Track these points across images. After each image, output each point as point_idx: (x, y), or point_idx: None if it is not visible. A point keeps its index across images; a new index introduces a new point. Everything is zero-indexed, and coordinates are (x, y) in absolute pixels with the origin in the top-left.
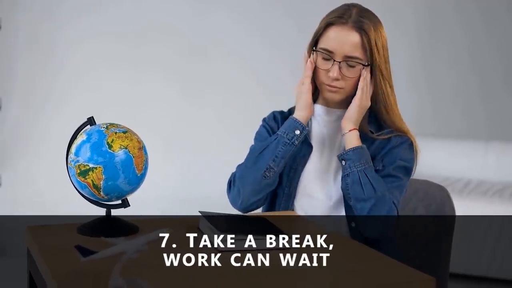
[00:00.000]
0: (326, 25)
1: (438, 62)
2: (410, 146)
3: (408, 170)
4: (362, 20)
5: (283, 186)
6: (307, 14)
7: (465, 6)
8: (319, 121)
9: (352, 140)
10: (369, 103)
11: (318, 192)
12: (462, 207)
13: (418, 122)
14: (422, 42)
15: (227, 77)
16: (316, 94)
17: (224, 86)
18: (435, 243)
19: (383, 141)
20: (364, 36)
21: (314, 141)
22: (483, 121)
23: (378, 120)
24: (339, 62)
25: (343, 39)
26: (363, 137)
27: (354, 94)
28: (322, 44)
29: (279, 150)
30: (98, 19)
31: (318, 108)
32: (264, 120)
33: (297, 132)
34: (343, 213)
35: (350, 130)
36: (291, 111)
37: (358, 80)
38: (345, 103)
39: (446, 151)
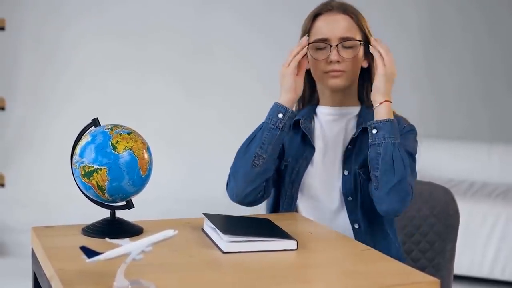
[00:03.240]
0: (313, 17)
1: (441, 64)
2: (416, 137)
3: (415, 160)
4: (346, 6)
5: (285, 188)
6: None
7: (468, 8)
8: (322, 121)
9: (384, 112)
10: (394, 70)
11: (321, 194)
12: (466, 209)
13: (421, 123)
14: (425, 43)
15: (231, 77)
16: (315, 95)
17: (227, 87)
18: (439, 244)
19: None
20: (354, 17)
21: (317, 142)
22: (486, 123)
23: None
24: (336, 46)
25: (333, 24)
26: (370, 113)
27: (355, 83)
28: (314, 36)
29: (265, 137)
30: (101, 19)
31: (320, 108)
32: None
33: (280, 115)
34: (345, 215)
35: (381, 103)
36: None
37: (357, 62)
38: (347, 99)
39: (450, 153)
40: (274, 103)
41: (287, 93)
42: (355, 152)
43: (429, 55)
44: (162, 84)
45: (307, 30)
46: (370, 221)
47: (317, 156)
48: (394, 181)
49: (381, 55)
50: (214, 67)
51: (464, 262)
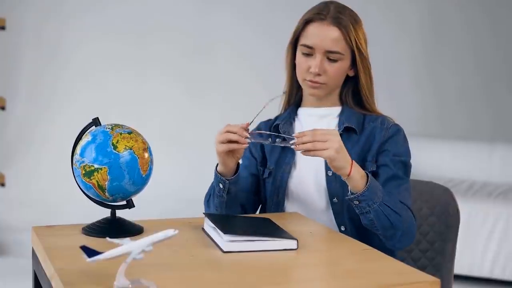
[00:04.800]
0: (305, 22)
1: (442, 63)
2: (404, 136)
3: (407, 166)
4: (340, 16)
5: (272, 195)
6: None
7: (469, 7)
8: (303, 122)
9: (357, 182)
10: (333, 140)
11: (307, 197)
12: (467, 209)
13: (422, 123)
14: (426, 43)
15: (232, 77)
16: (298, 95)
17: (228, 86)
18: (439, 244)
19: (375, 122)
20: (344, 30)
21: None
22: (487, 123)
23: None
24: (320, 57)
25: (322, 34)
26: (351, 113)
27: (337, 89)
28: (302, 40)
29: (216, 202)
30: (102, 18)
31: (301, 111)
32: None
33: (221, 185)
34: (332, 217)
35: (348, 175)
36: (277, 118)
37: (340, 75)
38: (328, 100)
39: (451, 153)
40: (215, 170)
41: (221, 165)
42: None
43: (430, 55)
44: (163, 84)
45: (297, 32)
46: (356, 223)
47: (299, 159)
48: (398, 234)
49: (312, 150)
50: (215, 66)
51: (465, 261)
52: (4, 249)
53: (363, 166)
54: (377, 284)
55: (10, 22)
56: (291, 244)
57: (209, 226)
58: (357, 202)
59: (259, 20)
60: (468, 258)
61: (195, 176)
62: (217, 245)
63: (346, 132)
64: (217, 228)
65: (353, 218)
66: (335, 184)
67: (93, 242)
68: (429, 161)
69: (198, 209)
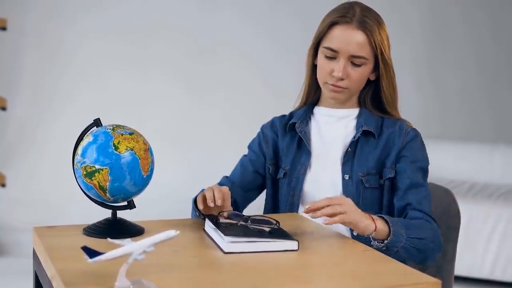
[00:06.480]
0: (330, 24)
1: (444, 64)
2: (421, 141)
3: (425, 172)
4: (366, 20)
5: (286, 195)
6: (314, 15)
7: (471, 8)
8: (320, 122)
9: (382, 234)
10: (347, 204)
11: (322, 196)
12: (467, 210)
13: (423, 124)
14: (427, 43)
15: (233, 77)
16: (316, 95)
17: (230, 86)
18: None
19: (393, 127)
20: (369, 35)
21: (314, 146)
22: (489, 124)
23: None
24: (344, 62)
25: (348, 38)
26: (370, 115)
27: (358, 93)
28: (326, 43)
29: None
30: (104, 18)
31: (318, 110)
32: (261, 127)
33: (197, 213)
34: None
35: (374, 230)
36: (292, 114)
37: (363, 79)
38: (347, 101)
39: (452, 154)
40: (192, 200)
41: (199, 203)
42: (356, 156)
43: (432, 56)
44: (164, 84)
45: (321, 34)
46: None
47: (315, 161)
48: (428, 254)
49: (332, 215)
50: (217, 66)
51: (465, 263)
52: (4, 249)
53: (381, 172)
54: (378, 285)
55: (11, 22)
56: (292, 245)
57: (210, 227)
58: (385, 248)
59: (261, 20)
60: (468, 259)
61: (196, 177)
62: (218, 246)
63: (364, 135)
64: (218, 229)
65: None
66: (352, 188)
67: (94, 243)
68: (430, 162)
69: None
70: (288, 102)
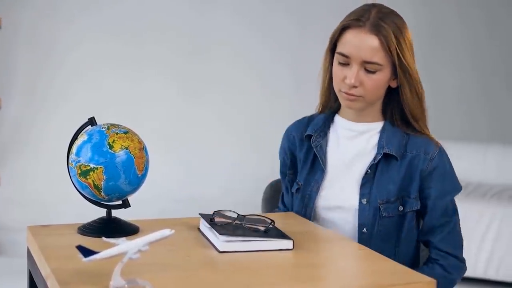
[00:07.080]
0: (342, 28)
1: (439, 64)
2: (448, 163)
3: (454, 203)
4: (380, 23)
5: (299, 210)
6: (309, 15)
7: (466, 8)
8: (339, 135)
9: None
10: None
11: (335, 221)
12: (461, 209)
13: None
14: (422, 43)
15: (228, 77)
16: (336, 103)
17: (225, 86)
18: None
19: (418, 149)
20: (383, 39)
21: (331, 162)
22: (483, 124)
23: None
24: (357, 68)
25: (359, 43)
26: (393, 133)
27: (378, 102)
28: (339, 48)
29: None
30: (98, 18)
31: (338, 120)
32: (281, 141)
33: None
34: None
35: None
36: (311, 119)
37: (379, 87)
38: (369, 114)
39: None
40: None
41: None
42: (376, 180)
43: (427, 55)
44: (159, 83)
45: (334, 39)
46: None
47: (330, 179)
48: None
49: None
50: (212, 66)
51: None
52: None
53: (403, 202)
54: (373, 284)
55: (5, 21)
56: (287, 244)
57: (205, 226)
58: None
59: (256, 20)
60: None
61: (191, 176)
62: (213, 245)
63: (385, 157)
64: (213, 228)
65: (379, 248)
66: (368, 214)
67: (88, 242)
68: None
69: (194, 209)
70: (283, 101)
